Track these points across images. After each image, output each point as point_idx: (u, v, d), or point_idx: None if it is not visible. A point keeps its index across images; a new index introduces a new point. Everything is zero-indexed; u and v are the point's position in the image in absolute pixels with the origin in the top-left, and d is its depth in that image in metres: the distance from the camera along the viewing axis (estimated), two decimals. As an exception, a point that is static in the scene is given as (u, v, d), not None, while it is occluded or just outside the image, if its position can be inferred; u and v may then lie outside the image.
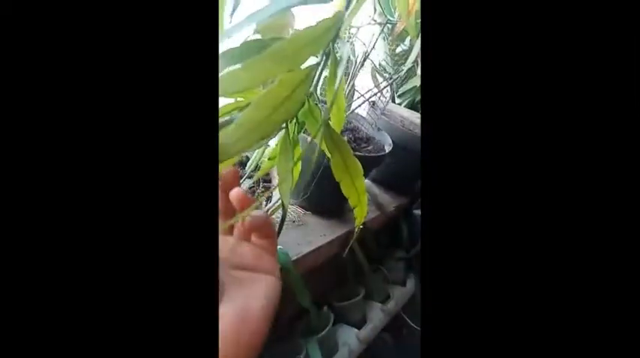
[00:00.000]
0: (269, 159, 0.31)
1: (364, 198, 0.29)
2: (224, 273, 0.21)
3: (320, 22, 0.20)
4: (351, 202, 0.29)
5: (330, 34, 0.21)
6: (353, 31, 0.51)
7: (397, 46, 0.57)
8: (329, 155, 0.27)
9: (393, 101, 0.74)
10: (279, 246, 0.55)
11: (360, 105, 0.48)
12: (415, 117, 0.68)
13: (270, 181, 0.40)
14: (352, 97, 0.52)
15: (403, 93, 0.71)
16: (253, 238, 0.25)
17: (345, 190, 0.28)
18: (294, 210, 0.50)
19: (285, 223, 0.57)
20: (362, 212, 0.29)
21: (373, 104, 0.56)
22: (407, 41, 0.55)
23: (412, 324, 0.51)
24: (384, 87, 0.49)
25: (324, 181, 0.37)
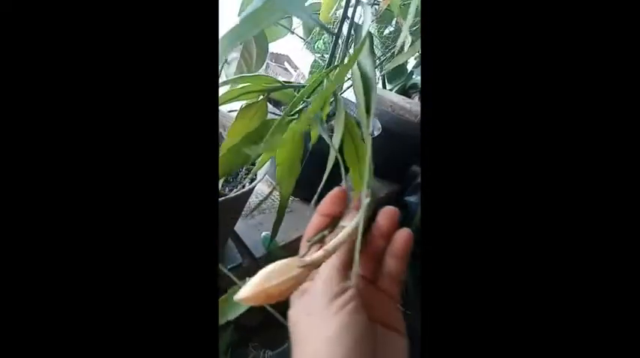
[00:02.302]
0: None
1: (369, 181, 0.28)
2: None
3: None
4: (356, 188, 0.28)
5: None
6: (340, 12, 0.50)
7: (385, 27, 0.56)
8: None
9: (384, 86, 0.73)
10: (264, 232, 0.54)
11: (346, 89, 0.47)
12: (405, 102, 0.67)
13: (253, 164, 0.39)
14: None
15: (393, 78, 0.70)
16: (382, 284, 0.21)
17: (353, 175, 0.27)
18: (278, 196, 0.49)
19: (272, 210, 0.56)
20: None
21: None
22: (393, 23, 0.54)
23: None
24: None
25: (311, 167, 0.36)
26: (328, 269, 0.19)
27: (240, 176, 0.37)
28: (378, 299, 0.20)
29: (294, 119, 0.26)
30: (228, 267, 0.44)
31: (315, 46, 0.55)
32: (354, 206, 0.21)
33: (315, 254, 0.19)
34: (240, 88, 0.25)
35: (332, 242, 0.19)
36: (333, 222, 0.21)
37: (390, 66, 0.54)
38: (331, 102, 0.28)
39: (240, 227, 0.46)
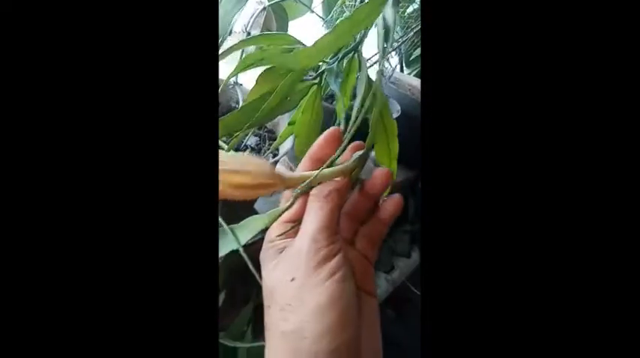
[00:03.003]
0: (289, 124, 0.30)
1: (395, 164, 0.27)
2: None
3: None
4: (383, 165, 0.27)
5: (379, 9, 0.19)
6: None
7: (407, 6, 0.54)
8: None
9: (401, 70, 0.71)
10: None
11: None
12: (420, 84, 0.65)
13: (275, 139, 0.39)
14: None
15: (412, 61, 0.68)
16: (359, 245, 0.21)
17: (377, 153, 0.27)
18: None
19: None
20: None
21: (381, 72, 0.54)
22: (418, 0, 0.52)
23: (416, 291, 0.51)
24: (391, 51, 0.46)
25: None
26: (313, 229, 0.17)
27: (263, 151, 0.37)
28: (355, 261, 0.20)
29: (314, 84, 0.25)
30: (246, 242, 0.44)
31: (335, 25, 0.54)
32: (343, 157, 0.20)
33: (295, 173, 0.18)
34: (261, 51, 0.24)
35: (317, 171, 0.18)
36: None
37: (412, 49, 0.53)
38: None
39: (258, 204, 0.46)
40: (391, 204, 0.21)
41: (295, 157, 0.30)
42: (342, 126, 0.21)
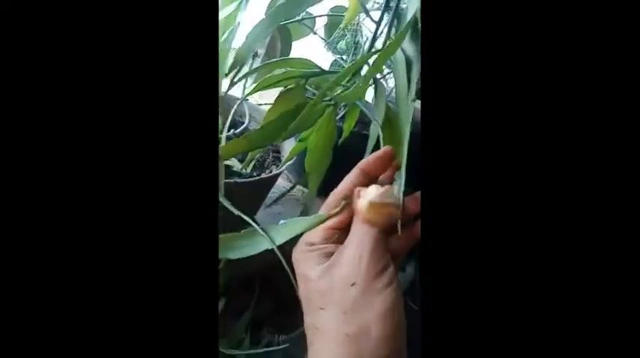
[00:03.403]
0: (299, 140, 0.31)
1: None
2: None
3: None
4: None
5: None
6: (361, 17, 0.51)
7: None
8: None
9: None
10: (282, 221, 0.55)
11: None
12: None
13: (279, 152, 0.40)
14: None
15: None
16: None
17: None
18: (298, 189, 0.50)
19: (290, 201, 0.57)
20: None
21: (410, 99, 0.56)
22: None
23: (413, 306, 0.52)
24: (388, 73, 0.49)
25: (336, 165, 0.37)
26: (371, 241, 0.19)
27: (267, 162, 0.38)
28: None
29: (330, 105, 0.27)
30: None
31: (338, 47, 0.57)
32: (386, 175, 0.22)
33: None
34: (281, 74, 0.26)
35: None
36: (370, 183, 0.21)
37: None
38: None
39: (260, 216, 0.47)
40: (416, 229, 0.22)
41: (297, 171, 0.31)
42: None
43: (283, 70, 0.25)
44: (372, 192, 0.19)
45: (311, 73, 0.25)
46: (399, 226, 0.19)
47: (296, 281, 0.21)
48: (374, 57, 0.22)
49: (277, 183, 0.59)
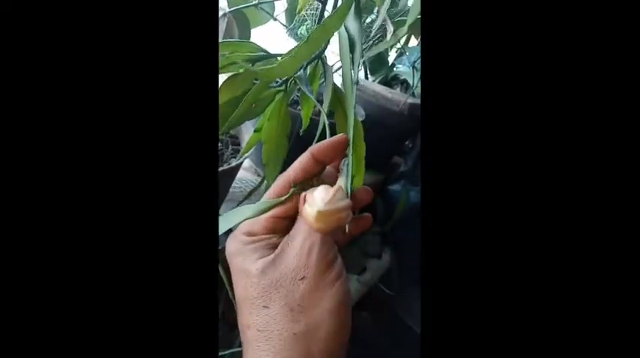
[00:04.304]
0: (255, 131, 0.30)
1: (362, 167, 0.26)
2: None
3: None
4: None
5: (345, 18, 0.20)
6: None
7: (366, 17, 0.56)
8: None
9: (366, 77, 0.73)
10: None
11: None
12: (387, 92, 0.68)
13: (239, 144, 0.39)
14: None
15: (375, 70, 0.71)
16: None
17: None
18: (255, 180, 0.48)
19: (257, 196, 0.56)
20: (359, 182, 0.26)
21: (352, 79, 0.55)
22: (375, 10, 0.55)
23: (387, 291, 0.52)
24: (361, 59, 0.48)
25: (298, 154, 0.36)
26: (321, 236, 0.17)
27: (225, 156, 0.36)
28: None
29: (280, 91, 0.26)
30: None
31: (298, 33, 0.55)
32: (334, 166, 0.20)
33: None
34: (223, 58, 0.24)
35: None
36: (320, 172, 0.19)
37: (370, 53, 0.55)
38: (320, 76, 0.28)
39: (223, 211, 0.45)
40: (358, 221, 0.21)
41: (262, 163, 0.30)
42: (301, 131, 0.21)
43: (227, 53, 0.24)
44: (318, 198, 0.17)
45: (257, 56, 0.24)
46: (346, 227, 0.18)
47: (229, 277, 0.19)
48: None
49: (247, 178, 0.57)
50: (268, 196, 0.19)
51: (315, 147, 0.19)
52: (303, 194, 0.18)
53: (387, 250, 0.67)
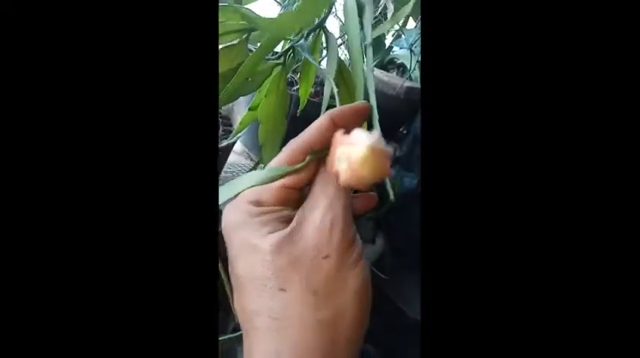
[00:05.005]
0: (249, 109, 0.28)
1: None
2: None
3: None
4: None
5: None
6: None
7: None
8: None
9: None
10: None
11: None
12: (383, 75, 0.66)
13: (231, 125, 0.37)
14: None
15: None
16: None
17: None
18: (261, 167, 0.47)
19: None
20: None
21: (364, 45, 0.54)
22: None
23: (382, 275, 0.52)
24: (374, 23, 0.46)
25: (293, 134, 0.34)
26: (342, 206, 0.15)
27: (218, 136, 0.35)
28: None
29: (278, 64, 0.24)
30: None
31: (293, 9, 0.53)
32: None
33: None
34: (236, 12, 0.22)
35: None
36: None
37: (374, 33, 0.53)
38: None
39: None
40: (365, 199, 0.20)
41: (257, 145, 0.28)
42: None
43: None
44: (363, 135, 0.14)
45: (251, 27, 0.22)
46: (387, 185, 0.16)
47: (223, 252, 0.16)
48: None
49: (240, 162, 0.55)
50: (278, 163, 0.17)
51: (335, 112, 0.17)
52: (339, 133, 0.15)
53: (381, 235, 0.67)
